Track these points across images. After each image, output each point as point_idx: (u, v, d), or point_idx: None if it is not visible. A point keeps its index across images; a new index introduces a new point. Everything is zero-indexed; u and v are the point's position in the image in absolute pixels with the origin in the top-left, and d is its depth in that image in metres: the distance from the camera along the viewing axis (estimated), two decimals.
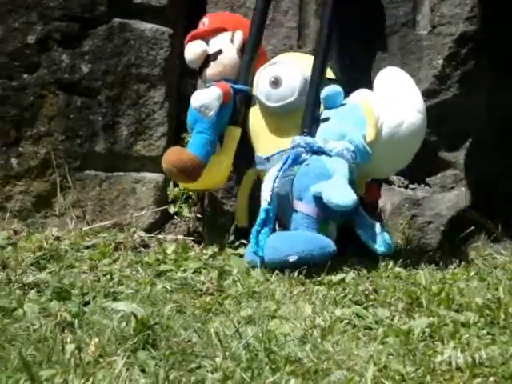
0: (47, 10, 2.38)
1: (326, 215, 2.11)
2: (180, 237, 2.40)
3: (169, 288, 1.94)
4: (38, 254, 2.11)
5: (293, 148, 2.16)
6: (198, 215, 2.45)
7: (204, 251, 2.23)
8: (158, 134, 2.46)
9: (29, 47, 2.40)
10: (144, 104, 2.43)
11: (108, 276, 2.00)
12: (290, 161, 2.14)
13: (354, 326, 1.67)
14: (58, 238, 2.27)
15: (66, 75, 2.41)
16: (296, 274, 1.99)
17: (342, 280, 1.97)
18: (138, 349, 1.48)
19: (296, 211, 2.12)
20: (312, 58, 2.29)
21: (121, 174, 2.47)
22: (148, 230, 2.42)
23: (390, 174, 2.37)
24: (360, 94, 2.24)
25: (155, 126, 2.46)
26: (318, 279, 1.98)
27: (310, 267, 2.03)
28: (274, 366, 1.40)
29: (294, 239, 2.09)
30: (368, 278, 2.00)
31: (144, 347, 1.49)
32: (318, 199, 2.08)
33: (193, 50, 2.32)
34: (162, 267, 2.10)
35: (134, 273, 2.06)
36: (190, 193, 2.42)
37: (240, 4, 2.44)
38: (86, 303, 1.81)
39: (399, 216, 2.40)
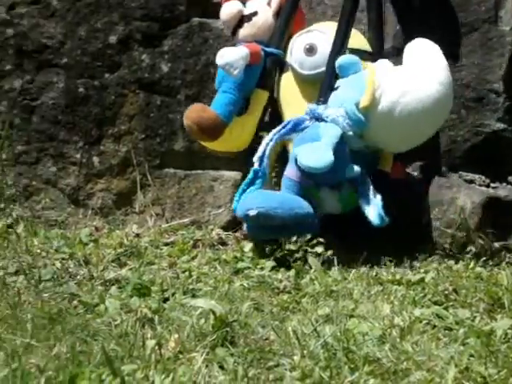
0: (128, 10, 2.42)
1: (318, 180, 2.11)
2: None
3: (246, 286, 1.95)
4: (119, 250, 2.15)
5: (306, 115, 2.16)
6: None
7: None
8: None
9: (110, 47, 2.44)
10: None
11: (187, 273, 2.03)
12: (289, 126, 2.14)
13: (434, 326, 1.64)
14: (137, 235, 2.31)
15: (146, 74, 2.44)
16: (374, 273, 1.97)
17: (422, 280, 1.94)
18: (217, 345, 1.49)
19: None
20: (354, 30, 2.27)
21: (199, 172, 2.49)
22: (226, 228, 2.44)
23: (402, 148, 2.25)
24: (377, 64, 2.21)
25: None
26: (397, 278, 1.96)
27: (289, 233, 2.07)
28: (352, 366, 1.39)
29: (261, 195, 2.11)
30: (448, 277, 1.97)
31: (223, 344, 1.50)
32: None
33: (228, 10, 2.30)
34: (240, 265, 2.11)
35: (212, 270, 2.07)
36: None
37: None
38: (166, 299, 1.83)
39: (480, 215, 2.35)
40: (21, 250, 2.10)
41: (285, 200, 2.10)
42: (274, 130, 2.16)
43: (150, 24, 2.42)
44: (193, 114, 2.20)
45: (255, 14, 2.31)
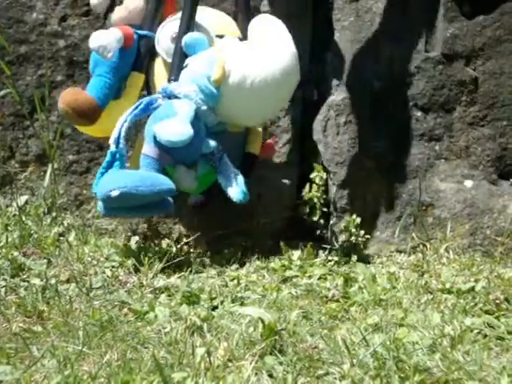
0: None
1: (176, 157, 2.13)
2: (305, 243, 2.40)
3: (294, 294, 1.95)
4: (168, 258, 2.16)
5: (158, 93, 2.19)
6: (323, 221, 2.44)
7: (329, 258, 2.23)
8: (282, 140, 2.48)
9: None
10: None
11: (235, 281, 2.04)
12: (142, 106, 2.15)
13: (485, 335, 1.63)
14: (187, 243, 2.32)
15: None
16: (423, 282, 1.96)
17: (472, 288, 1.92)
18: (266, 354, 1.50)
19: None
20: (220, 13, 2.30)
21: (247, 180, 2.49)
22: (274, 236, 2.44)
23: (253, 122, 2.28)
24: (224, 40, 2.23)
25: (280, 133, 2.48)
26: (447, 287, 1.94)
27: (148, 211, 2.14)
28: (402, 375, 1.39)
29: (122, 175, 2.10)
30: (499, 286, 1.94)
31: (271, 352, 1.51)
32: (157, 139, 2.11)
33: None
34: (288, 273, 2.11)
35: (260, 278, 2.08)
36: (315, 200, 2.42)
37: None
38: (215, 307, 1.85)
39: None
40: (72, 259, 2.14)
41: (146, 177, 2.10)
42: (128, 111, 2.16)
43: None
44: (67, 97, 2.18)
45: None
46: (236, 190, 2.17)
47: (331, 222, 2.41)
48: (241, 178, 2.19)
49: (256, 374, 1.41)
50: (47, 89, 2.52)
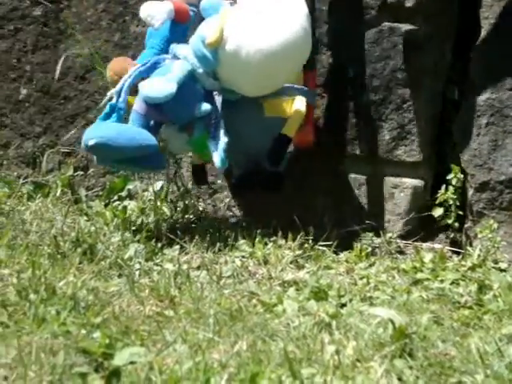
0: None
1: (166, 115, 2.16)
2: (437, 245, 2.35)
3: (425, 297, 1.91)
4: (298, 252, 2.16)
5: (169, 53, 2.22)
6: (457, 224, 2.37)
7: (463, 262, 2.17)
8: (419, 139, 2.42)
9: None
10: (408, 109, 2.40)
11: (364, 280, 2.01)
12: (149, 64, 2.17)
13: None
14: (315, 239, 2.31)
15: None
16: None
17: None
18: (395, 357, 1.47)
19: None
20: None
21: (380, 177, 2.46)
22: (404, 237, 2.39)
23: (256, 92, 2.22)
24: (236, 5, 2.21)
25: (417, 132, 2.43)
26: None
27: (134, 165, 2.18)
28: None
29: (103, 126, 2.11)
30: None
31: (401, 355, 1.48)
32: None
33: None
34: (419, 275, 2.06)
35: (390, 279, 2.04)
36: (451, 202, 2.35)
37: None
38: (343, 305, 1.83)
39: None
40: (203, 246, 2.17)
41: (126, 130, 2.11)
42: (135, 67, 2.18)
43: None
44: (116, 66, 2.23)
45: None
46: (217, 157, 2.17)
47: (466, 225, 2.34)
48: (223, 145, 2.16)
49: (385, 376, 1.38)
50: None
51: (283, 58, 2.17)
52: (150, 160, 2.18)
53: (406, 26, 2.36)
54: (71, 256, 1.97)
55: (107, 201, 2.54)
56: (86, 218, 2.38)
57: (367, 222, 2.40)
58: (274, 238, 2.24)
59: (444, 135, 2.43)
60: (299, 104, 2.25)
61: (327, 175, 2.46)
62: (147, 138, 2.12)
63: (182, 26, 2.27)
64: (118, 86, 2.17)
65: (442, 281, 2.03)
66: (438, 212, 2.38)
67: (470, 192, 2.32)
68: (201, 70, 2.17)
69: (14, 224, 2.14)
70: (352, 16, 2.40)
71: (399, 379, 1.39)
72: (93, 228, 2.20)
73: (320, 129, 2.43)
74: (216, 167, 2.23)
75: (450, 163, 2.36)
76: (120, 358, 1.36)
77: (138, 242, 2.14)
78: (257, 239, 2.21)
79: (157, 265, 2.03)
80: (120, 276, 1.91)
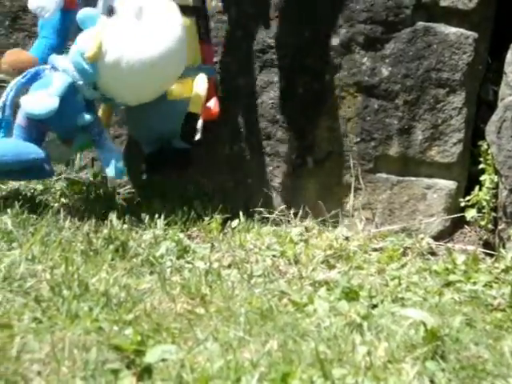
0: (353, 13, 2.41)
1: (49, 127, 2.22)
2: (470, 247, 2.33)
3: (457, 299, 1.89)
4: (328, 252, 2.16)
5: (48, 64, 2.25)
6: (490, 226, 2.35)
7: (496, 264, 2.15)
8: (453, 140, 2.40)
9: (332, 49, 2.45)
10: (442, 109, 2.38)
11: (396, 281, 2.00)
12: (28, 76, 2.21)
13: None
14: (347, 239, 2.30)
15: (365, 78, 2.43)
16: None
17: None
18: (427, 358, 1.46)
19: None
20: None
21: (412, 178, 2.45)
22: (436, 238, 2.38)
23: (133, 101, 2.28)
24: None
25: (451, 132, 2.40)
26: None
27: (21, 177, 2.29)
28: None
29: None
30: None
31: (433, 357, 1.47)
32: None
33: None
34: (451, 277, 2.05)
35: (421, 280, 2.03)
36: (484, 203, 2.34)
37: None
38: (374, 306, 1.82)
39: None
40: (235, 245, 2.17)
41: (14, 146, 2.19)
42: (15, 80, 2.22)
43: (374, 27, 2.40)
44: (10, 57, 2.26)
45: None
46: (111, 166, 2.23)
47: (499, 227, 2.32)
48: (119, 155, 2.26)
49: (417, 378, 1.37)
50: None
51: (164, 67, 2.23)
52: (38, 170, 2.27)
53: (440, 26, 2.35)
54: (104, 253, 1.98)
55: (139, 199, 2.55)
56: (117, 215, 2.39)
57: (399, 221, 2.39)
58: (306, 237, 2.24)
59: (478, 136, 2.41)
60: (200, 81, 2.32)
61: (359, 174, 2.45)
62: (34, 151, 2.21)
63: (71, 13, 2.29)
64: (1, 102, 2.23)
65: (474, 283, 2.01)
66: (470, 213, 2.36)
67: (504, 193, 2.29)
68: (81, 82, 2.21)
69: (47, 220, 2.15)
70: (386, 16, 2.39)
71: (431, 381, 1.38)
72: (125, 225, 2.21)
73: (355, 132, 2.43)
74: (109, 176, 2.33)
75: (484, 164, 2.34)
76: (151, 356, 1.36)
77: (170, 239, 2.14)
78: (287, 238, 2.20)
79: (188, 262, 2.03)
80: (151, 273, 1.91)
